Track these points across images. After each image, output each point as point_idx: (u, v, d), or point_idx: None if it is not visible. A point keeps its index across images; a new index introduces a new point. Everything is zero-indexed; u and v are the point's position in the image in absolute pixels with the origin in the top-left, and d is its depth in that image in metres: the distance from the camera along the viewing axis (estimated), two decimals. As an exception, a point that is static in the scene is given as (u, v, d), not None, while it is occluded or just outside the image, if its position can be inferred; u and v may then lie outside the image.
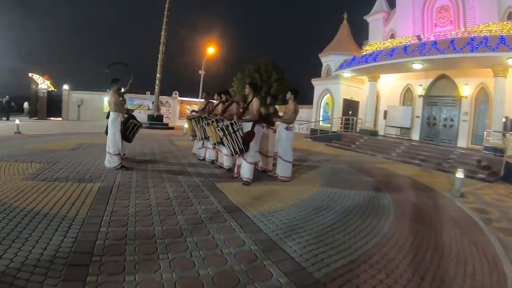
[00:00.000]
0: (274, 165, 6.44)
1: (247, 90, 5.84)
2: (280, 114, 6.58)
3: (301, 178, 6.51)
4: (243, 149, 5.35)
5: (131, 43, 59.51)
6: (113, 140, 6.03)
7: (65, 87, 22.35)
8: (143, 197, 4.22)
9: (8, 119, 17.36)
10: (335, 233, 3.41)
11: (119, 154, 6.16)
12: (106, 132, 6.27)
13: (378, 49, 15.30)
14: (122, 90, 6.62)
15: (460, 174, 6.49)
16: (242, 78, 27.42)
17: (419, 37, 13.08)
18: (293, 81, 28.00)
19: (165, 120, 21.34)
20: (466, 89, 13.30)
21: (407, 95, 16.20)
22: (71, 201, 3.84)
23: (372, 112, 16.23)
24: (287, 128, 6.09)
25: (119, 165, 6.04)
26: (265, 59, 28.08)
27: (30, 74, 20.39)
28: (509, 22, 11.29)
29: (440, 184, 7.50)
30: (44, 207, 3.58)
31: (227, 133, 5.32)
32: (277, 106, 8.54)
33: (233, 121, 5.38)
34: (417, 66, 12.90)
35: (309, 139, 17.72)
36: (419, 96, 15.19)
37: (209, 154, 7.45)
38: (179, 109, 26.11)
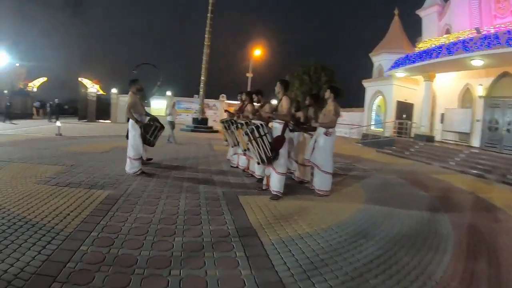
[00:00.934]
0: (313, 174, 5.54)
1: (277, 87, 5.04)
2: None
3: (342, 192, 5.56)
4: (271, 157, 4.61)
5: (180, 46, 61.07)
6: (133, 144, 5.71)
7: (114, 91, 23.41)
8: (148, 210, 3.71)
9: (57, 121, 18.43)
10: (372, 276, 2.51)
11: (140, 158, 5.82)
12: (127, 136, 5.97)
13: (433, 45, 13.72)
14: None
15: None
16: (290, 80, 26.67)
17: (478, 30, 11.37)
18: (343, 82, 26.57)
19: (212, 123, 21.30)
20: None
21: (466, 96, 14.21)
22: (69, 211, 3.50)
23: (428, 116, 14.57)
24: (326, 133, 5.16)
25: (139, 170, 5.68)
26: (314, 61, 27.05)
27: (79, 79, 21.71)
28: None
29: (507, 201, 6.15)
30: (38, 215, 3.29)
31: (252, 138, 4.63)
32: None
33: (259, 124, 4.67)
34: (477, 62, 11.14)
35: (359, 145, 16.52)
36: (480, 97, 13.21)
37: (242, 161, 6.81)
38: (227, 112, 26.03)
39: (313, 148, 5.34)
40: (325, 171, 5.18)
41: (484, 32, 11.22)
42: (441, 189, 6.82)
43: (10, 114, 17.19)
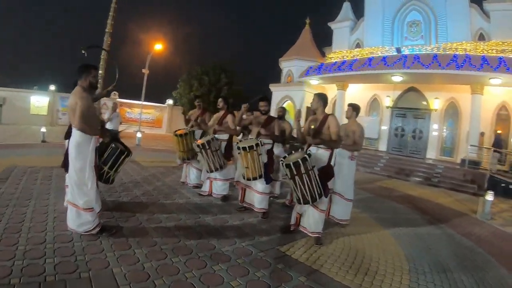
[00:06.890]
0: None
1: (315, 102, 3.96)
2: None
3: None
4: (322, 194, 3.47)
5: (71, 34, 49.31)
6: (80, 184, 3.13)
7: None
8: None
9: None
10: None
11: (93, 208, 3.21)
12: (64, 166, 3.60)
13: (344, 57, 14.94)
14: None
15: (490, 197, 6.14)
16: (188, 80, 24.45)
17: (398, 50, 12.88)
18: (248, 85, 26.25)
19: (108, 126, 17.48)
20: (436, 102, 13.53)
21: (373, 105, 16.04)
22: None
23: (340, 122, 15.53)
24: (351, 157, 4.53)
25: (95, 227, 3.21)
26: (213, 61, 25.65)
27: None
28: (482, 43, 11.75)
29: (455, 204, 7.24)
30: None
31: (303, 172, 3.35)
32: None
33: (306, 155, 3.43)
34: (397, 78, 12.61)
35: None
36: (387, 107, 15.08)
37: (218, 188, 5.20)
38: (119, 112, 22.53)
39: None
40: (349, 199, 4.58)
41: (405, 52, 12.66)
42: (402, 198, 7.41)
43: None
